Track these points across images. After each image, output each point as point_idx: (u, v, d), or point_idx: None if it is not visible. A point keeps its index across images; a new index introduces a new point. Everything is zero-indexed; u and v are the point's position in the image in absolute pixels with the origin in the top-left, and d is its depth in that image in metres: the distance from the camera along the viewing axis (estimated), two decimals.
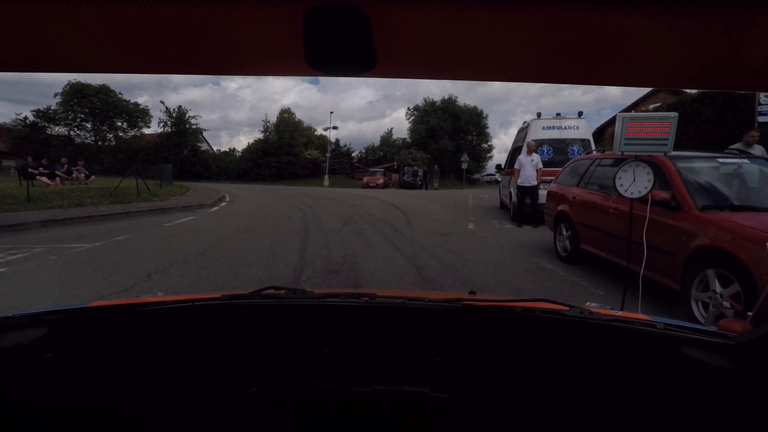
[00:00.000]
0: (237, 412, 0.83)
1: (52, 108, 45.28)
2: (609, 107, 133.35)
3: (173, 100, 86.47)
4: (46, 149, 43.20)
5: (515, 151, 11.61)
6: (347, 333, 1.06)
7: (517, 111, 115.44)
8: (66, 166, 17.28)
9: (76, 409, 0.82)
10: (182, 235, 7.44)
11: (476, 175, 42.56)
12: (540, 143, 9.34)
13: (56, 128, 45.78)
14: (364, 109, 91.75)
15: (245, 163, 38.93)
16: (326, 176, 32.36)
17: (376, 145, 44.51)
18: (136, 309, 1.08)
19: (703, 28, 0.47)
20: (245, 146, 41.11)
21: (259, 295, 1.10)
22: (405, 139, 43.81)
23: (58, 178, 15.93)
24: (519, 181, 8.79)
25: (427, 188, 30.18)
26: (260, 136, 39.75)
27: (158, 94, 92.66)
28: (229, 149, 43.84)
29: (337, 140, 40.60)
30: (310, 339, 1.03)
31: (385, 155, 42.65)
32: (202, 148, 42.31)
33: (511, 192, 9.95)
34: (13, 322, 0.98)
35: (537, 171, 8.67)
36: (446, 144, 38.98)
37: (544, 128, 9.43)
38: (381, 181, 30.31)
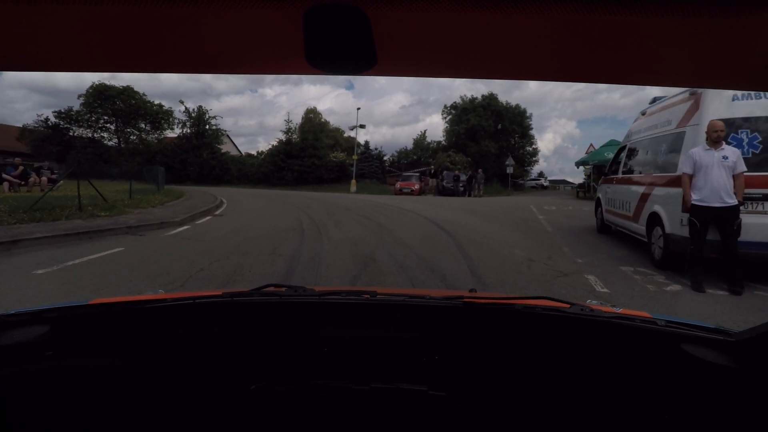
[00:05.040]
0: (237, 409, 0.83)
1: (75, 109, 43.99)
2: None
3: (215, 108, 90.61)
4: (67, 151, 41.91)
5: (628, 152, 7.32)
6: (348, 331, 1.06)
7: (552, 115, 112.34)
8: (21, 168, 14.17)
9: (77, 406, 0.82)
10: (36, 297, 3.73)
11: (520, 181, 37.79)
12: (735, 125, 4.85)
13: (79, 130, 44.53)
14: (397, 113, 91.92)
15: (266, 166, 35.72)
16: (353, 181, 28.45)
17: (409, 148, 40.54)
18: (138, 307, 1.07)
19: (707, 26, 0.47)
20: (268, 148, 37.91)
21: (259, 293, 1.09)
22: (440, 142, 39.75)
23: (6, 184, 12.81)
24: (697, 197, 4.55)
25: (469, 195, 25.89)
26: (283, 137, 36.30)
27: (203, 101, 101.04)
28: (257, 153, 40.75)
29: (367, 142, 36.95)
30: (310, 337, 1.03)
31: (418, 159, 38.60)
32: (223, 150, 39.51)
33: (660, 214, 5.54)
34: (14, 319, 0.97)
35: (736, 177, 4.42)
36: (488, 146, 34.50)
37: (735, 99, 4.97)
38: (416, 187, 26.24)
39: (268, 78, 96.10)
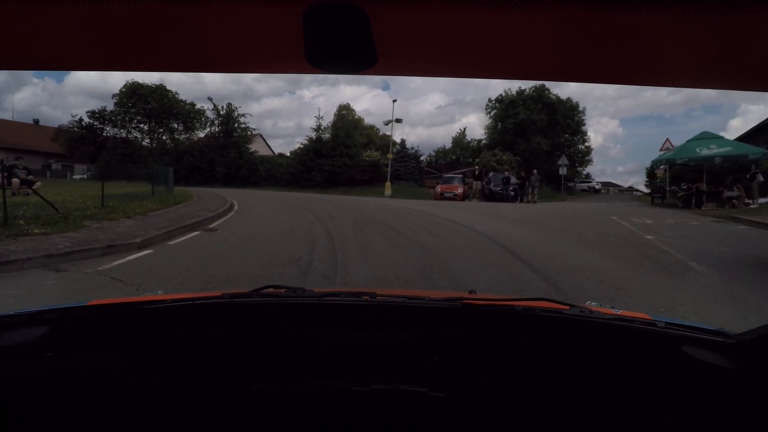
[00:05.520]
0: (237, 410, 0.84)
1: (108, 109, 43.53)
2: (700, 108, 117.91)
3: (255, 110, 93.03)
4: (100, 152, 41.40)
5: None
6: (347, 332, 1.06)
7: (593, 113, 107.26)
8: None
9: (77, 407, 0.82)
10: None
11: (569, 183, 33.59)
12: None
13: (113, 130, 44.06)
14: (433, 114, 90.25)
15: (295, 166, 33.18)
16: (388, 184, 25.31)
17: (447, 147, 37.16)
18: (137, 307, 1.08)
19: (708, 25, 0.47)
20: (297, 147, 35.41)
21: (259, 294, 1.09)
22: (480, 140, 36.13)
23: None
24: None
25: (521, 200, 22.37)
26: (313, 135, 33.66)
27: (243, 104, 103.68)
28: (291, 153, 38.46)
29: (403, 140, 33.77)
30: (309, 338, 1.03)
31: (457, 159, 35.17)
32: (252, 150, 37.57)
33: None
34: (13, 320, 0.96)
35: None
36: (540, 143, 30.64)
37: None
38: (460, 191, 22.97)
39: (306, 79, 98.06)
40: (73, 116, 44.62)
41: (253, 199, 17.67)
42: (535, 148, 30.47)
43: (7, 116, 44.46)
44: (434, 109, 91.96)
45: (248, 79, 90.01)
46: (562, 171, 27.71)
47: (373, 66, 0.57)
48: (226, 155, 35.58)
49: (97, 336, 0.99)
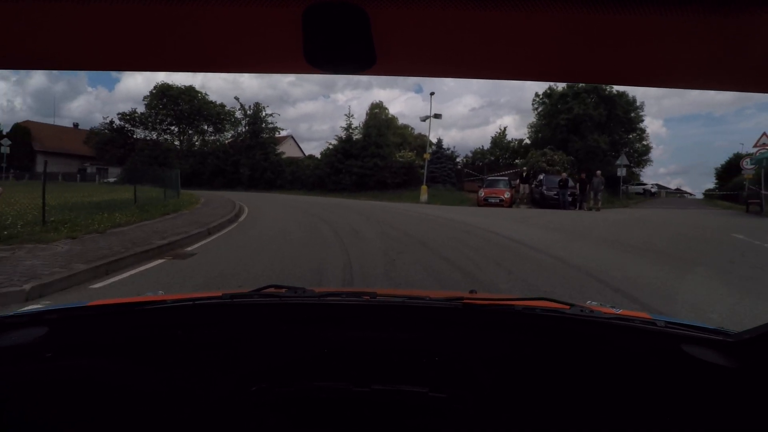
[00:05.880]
0: (237, 410, 0.83)
1: (138, 111, 42.84)
2: (753, 106, 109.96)
3: (290, 114, 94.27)
4: (129, 154, 40.70)
5: None
6: (347, 332, 1.05)
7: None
8: None
9: (76, 408, 0.82)
10: None
11: (624, 186, 29.42)
12: None
13: (144, 132, 43.36)
14: (466, 116, 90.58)
15: (322, 168, 30.67)
16: (424, 187, 22.24)
17: (485, 148, 33.67)
18: (137, 308, 1.07)
19: (708, 25, 0.47)
20: (325, 148, 32.85)
21: (259, 294, 1.08)
22: (522, 140, 32.66)
23: None
24: None
25: (580, 207, 18.98)
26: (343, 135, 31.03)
27: (279, 108, 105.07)
28: (320, 154, 36.14)
29: (440, 140, 30.72)
30: (310, 338, 1.02)
31: (496, 160, 31.71)
32: (280, 151, 35.57)
33: None
34: (13, 320, 0.97)
35: None
36: (597, 140, 26.91)
37: None
38: (506, 195, 19.83)
39: (340, 83, 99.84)
40: (104, 118, 43.87)
41: (268, 205, 15.32)
42: (593, 146, 26.72)
43: (65, 123, 44.38)
44: (468, 111, 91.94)
45: (284, 83, 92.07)
46: (621, 172, 23.91)
47: (373, 66, 0.56)
48: (252, 156, 33.66)
49: (97, 336, 0.98)
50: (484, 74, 0.63)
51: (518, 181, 22.29)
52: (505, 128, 37.44)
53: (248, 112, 36.41)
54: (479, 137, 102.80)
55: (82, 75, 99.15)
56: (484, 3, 0.44)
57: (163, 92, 42.32)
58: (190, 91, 42.80)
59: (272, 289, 1.09)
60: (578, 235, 8.89)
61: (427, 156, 24.27)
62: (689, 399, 0.81)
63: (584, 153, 26.56)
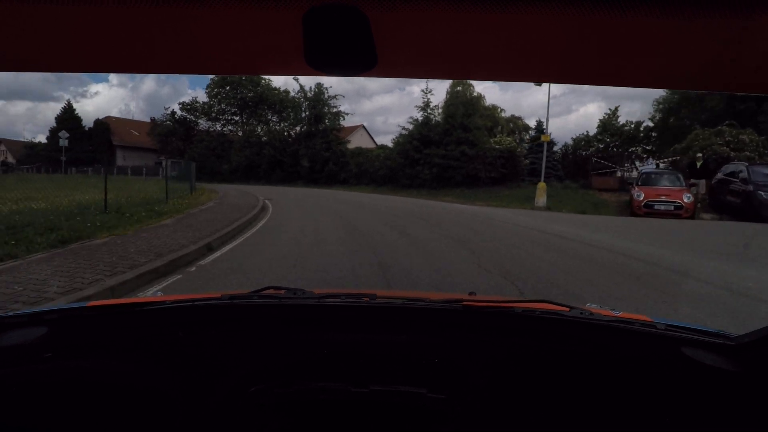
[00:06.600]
0: (236, 411, 0.83)
1: (200, 101, 40.10)
2: None
3: (366, 108, 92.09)
4: (189, 144, 38.11)
5: None
6: (347, 333, 1.05)
7: None
8: None
9: (76, 408, 0.82)
10: None
11: None
12: None
13: (207, 123, 40.67)
14: (545, 105, 77.78)
15: (393, 159, 24.84)
16: (541, 185, 15.15)
17: (590, 133, 25.30)
18: (136, 308, 1.07)
19: (709, 27, 0.47)
20: (398, 134, 26.86)
21: (258, 295, 1.08)
22: (641, 122, 24.15)
23: None
24: None
25: None
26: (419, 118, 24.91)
27: (355, 102, 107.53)
28: (392, 141, 30.55)
29: (539, 122, 23.40)
30: (309, 339, 1.02)
31: (606, 147, 23.48)
32: (342, 139, 30.26)
33: None
34: (12, 321, 0.96)
35: None
36: None
37: None
38: (687, 198, 12.42)
39: None
40: (165, 109, 41.51)
41: (313, 207, 9.63)
42: None
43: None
44: (549, 99, 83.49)
45: (360, 77, 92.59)
46: None
47: (374, 68, 0.57)
48: (312, 146, 28.70)
49: (97, 337, 0.98)
50: (484, 75, 0.64)
51: (689, 174, 14.62)
52: (617, 107, 28.74)
53: (308, 95, 31.51)
54: (561, 126, 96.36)
55: (184, 78, 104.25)
56: (484, 5, 0.44)
57: (224, 79, 39.07)
58: (251, 78, 39.18)
59: (271, 291, 1.09)
60: None
61: (546, 138, 17.10)
62: (690, 402, 0.81)
63: None
